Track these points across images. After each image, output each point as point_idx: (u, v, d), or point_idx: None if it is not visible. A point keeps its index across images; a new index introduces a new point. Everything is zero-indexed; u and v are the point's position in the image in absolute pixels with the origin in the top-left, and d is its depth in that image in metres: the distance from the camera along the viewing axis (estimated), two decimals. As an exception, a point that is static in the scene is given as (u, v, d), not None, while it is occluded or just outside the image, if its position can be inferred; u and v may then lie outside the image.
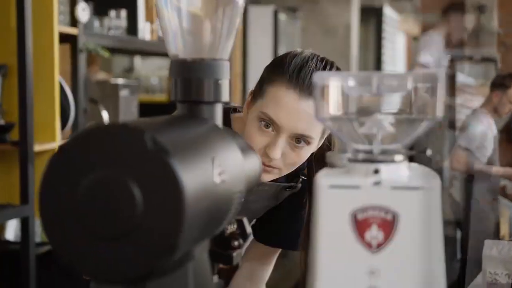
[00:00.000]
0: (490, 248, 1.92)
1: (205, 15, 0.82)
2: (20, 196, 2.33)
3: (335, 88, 0.71)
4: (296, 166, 1.29)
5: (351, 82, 0.70)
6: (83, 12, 2.65)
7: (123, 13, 3.05)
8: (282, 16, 4.91)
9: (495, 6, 9.16)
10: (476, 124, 3.99)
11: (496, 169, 4.02)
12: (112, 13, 3.04)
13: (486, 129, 3.93)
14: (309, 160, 1.33)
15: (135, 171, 0.60)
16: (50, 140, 2.50)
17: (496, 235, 3.98)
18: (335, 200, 0.68)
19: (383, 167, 0.69)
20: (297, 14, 5.30)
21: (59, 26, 2.55)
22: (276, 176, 1.30)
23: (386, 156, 0.70)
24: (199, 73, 0.80)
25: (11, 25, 2.40)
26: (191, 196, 0.60)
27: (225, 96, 0.82)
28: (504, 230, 6.56)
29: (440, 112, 0.69)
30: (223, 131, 0.78)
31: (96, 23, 2.94)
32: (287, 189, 1.42)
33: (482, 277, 1.91)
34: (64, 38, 2.62)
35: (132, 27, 3.09)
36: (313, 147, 1.28)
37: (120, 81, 3.17)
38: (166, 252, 0.60)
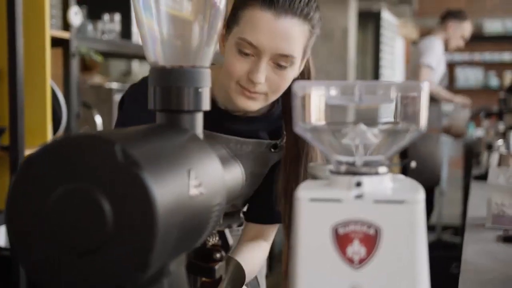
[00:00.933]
0: (496, 176, 1.81)
1: (184, 21, 0.80)
2: (10, 202, 2.30)
3: (316, 97, 0.69)
4: (281, 91, 1.26)
5: (333, 92, 0.68)
6: (76, 16, 2.63)
7: (117, 17, 3.03)
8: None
9: None
10: (433, 44, 4.20)
11: (446, 94, 4.29)
12: (106, 16, 3.01)
13: (441, 50, 4.19)
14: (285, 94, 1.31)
15: (105, 185, 0.58)
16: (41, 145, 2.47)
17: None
18: (315, 214, 0.66)
19: (365, 180, 0.66)
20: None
21: (51, 30, 2.52)
22: (262, 103, 1.27)
23: (369, 168, 0.68)
24: (178, 81, 0.78)
25: (2, 29, 2.37)
26: (163, 211, 0.58)
27: (205, 105, 0.80)
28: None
29: (424, 123, 0.67)
30: (203, 141, 0.76)
31: (90, 27, 2.92)
32: (273, 149, 1.38)
33: (487, 208, 1.79)
34: (57, 42, 2.60)
35: (126, 31, 3.07)
36: (296, 68, 1.26)
37: (115, 85, 3.15)
38: (138, 269, 0.58)
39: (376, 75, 7.35)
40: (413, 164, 0.66)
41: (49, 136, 2.50)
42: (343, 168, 0.68)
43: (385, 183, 0.68)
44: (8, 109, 2.34)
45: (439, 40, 4.32)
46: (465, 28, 4.31)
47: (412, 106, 0.67)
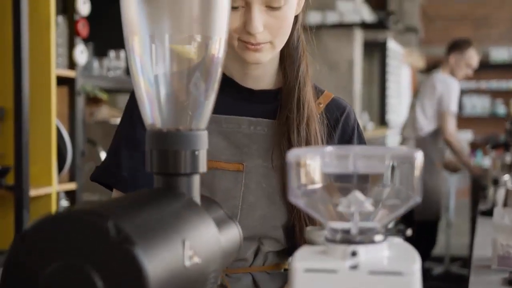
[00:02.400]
0: (501, 216, 1.77)
1: (182, 83, 0.80)
2: (14, 242, 2.30)
3: (310, 165, 0.69)
4: (287, 33, 1.18)
5: (327, 159, 0.68)
6: (81, 54, 2.65)
7: (123, 53, 3.05)
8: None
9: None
10: (455, 88, 4.20)
11: (464, 155, 4.27)
12: (112, 53, 3.04)
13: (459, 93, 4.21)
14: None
15: (98, 261, 0.58)
16: (47, 184, 2.48)
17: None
18: (311, 284, 0.65)
19: (361, 249, 0.66)
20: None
21: (57, 69, 2.54)
22: (271, 53, 1.18)
23: (365, 237, 0.67)
24: (175, 144, 0.78)
25: (8, 68, 2.39)
26: (157, 286, 0.58)
27: (202, 167, 0.80)
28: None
29: (419, 191, 0.66)
30: (199, 206, 0.76)
31: (96, 64, 2.94)
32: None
33: (492, 249, 1.75)
34: (62, 80, 2.62)
35: (131, 68, 3.09)
36: (293, 3, 1.18)
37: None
38: None
39: (382, 105, 7.35)
40: (409, 232, 0.66)
41: (54, 175, 2.51)
42: (338, 236, 0.68)
43: (381, 251, 0.67)
44: (13, 149, 2.36)
45: (455, 79, 4.30)
46: (469, 57, 4.29)
47: (407, 174, 0.66)
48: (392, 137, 7.67)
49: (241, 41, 1.17)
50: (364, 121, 6.44)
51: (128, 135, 1.25)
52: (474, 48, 4.32)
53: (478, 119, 10.02)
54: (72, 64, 2.66)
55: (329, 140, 1.25)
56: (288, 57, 1.26)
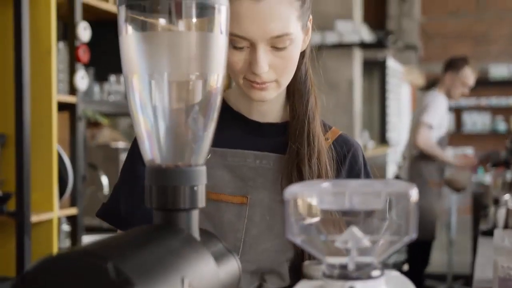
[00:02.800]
0: (502, 238, 1.76)
1: (180, 120, 0.81)
2: (16, 269, 2.31)
3: (307, 201, 0.69)
4: (292, 71, 1.18)
5: (324, 196, 0.69)
6: (82, 80, 2.67)
7: (123, 78, 3.07)
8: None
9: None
10: (436, 102, 4.15)
11: (442, 155, 4.20)
12: (112, 78, 3.06)
13: (444, 109, 4.15)
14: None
15: (98, 302, 0.58)
16: (48, 209, 2.49)
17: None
18: (309, 320, 0.66)
19: (358, 285, 0.67)
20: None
21: (58, 95, 2.56)
22: (276, 91, 1.17)
23: (362, 272, 0.68)
24: (174, 180, 0.79)
25: (10, 94, 2.41)
26: (156, 326, 0.59)
27: (201, 202, 0.81)
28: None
29: (414, 228, 0.67)
30: (198, 242, 0.77)
31: (96, 88, 2.96)
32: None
33: (493, 271, 1.75)
34: (63, 106, 2.64)
35: (132, 92, 3.11)
36: (299, 42, 1.17)
37: (121, 144, 3.17)
38: None
39: (382, 123, 7.37)
40: (405, 267, 0.67)
41: (56, 201, 2.52)
42: (335, 272, 0.69)
43: (379, 287, 0.68)
44: (15, 175, 2.37)
45: (443, 95, 4.30)
46: (464, 76, 4.27)
47: (402, 210, 0.67)
48: (393, 155, 7.68)
49: (247, 80, 1.17)
50: (365, 140, 6.45)
51: (129, 172, 1.28)
52: (470, 66, 4.31)
53: (478, 135, 10.03)
54: (73, 90, 2.67)
55: (338, 175, 1.25)
56: (296, 92, 1.26)
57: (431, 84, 9.76)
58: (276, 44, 1.13)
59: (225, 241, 1.18)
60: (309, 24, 1.23)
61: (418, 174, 4.26)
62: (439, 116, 4.13)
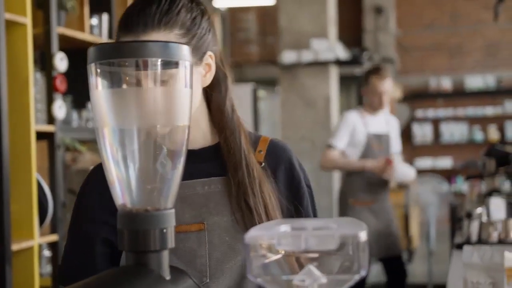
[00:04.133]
0: (471, 255, 1.81)
1: (148, 168, 0.87)
2: (-3, 298, 2.34)
3: (266, 245, 0.75)
4: (196, 102, 1.23)
5: (281, 240, 0.75)
6: (60, 109, 2.72)
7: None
8: (261, 93, 5.00)
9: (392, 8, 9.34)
10: (342, 122, 4.09)
11: (353, 163, 4.00)
12: (90, 105, 3.11)
13: (354, 125, 4.04)
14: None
15: None
16: (28, 237, 2.52)
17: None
18: None
19: (315, 320, 0.73)
20: (276, 89, 5.40)
21: (36, 125, 2.60)
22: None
23: (319, 308, 0.74)
24: (145, 224, 0.84)
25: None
26: None
27: (171, 243, 0.86)
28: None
29: (364, 267, 0.73)
30: (167, 281, 0.82)
31: (75, 115, 3.01)
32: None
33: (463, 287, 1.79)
34: (42, 135, 2.68)
35: (110, 117, 3.16)
36: (198, 73, 1.22)
37: (100, 169, 3.21)
38: None
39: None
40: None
41: (36, 229, 2.55)
42: (295, 308, 0.74)
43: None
44: (-5, 204, 2.40)
45: (354, 112, 4.17)
46: (372, 85, 4.07)
47: (353, 250, 0.73)
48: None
49: None
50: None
51: (76, 233, 1.29)
52: (380, 74, 4.18)
53: (456, 145, 10.17)
54: (51, 119, 2.72)
55: (279, 191, 1.31)
56: (227, 129, 1.31)
57: (408, 96, 9.89)
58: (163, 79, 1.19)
59: (191, 268, 1.25)
60: (210, 60, 1.27)
61: (341, 192, 4.24)
62: (347, 134, 4.06)
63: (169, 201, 0.88)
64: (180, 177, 0.89)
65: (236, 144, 1.30)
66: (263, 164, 1.31)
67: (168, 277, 0.85)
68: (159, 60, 0.84)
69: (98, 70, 0.86)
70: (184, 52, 0.86)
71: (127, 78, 1.00)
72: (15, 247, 2.42)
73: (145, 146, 0.85)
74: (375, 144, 4.09)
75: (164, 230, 0.85)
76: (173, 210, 0.87)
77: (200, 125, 1.31)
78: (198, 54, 1.24)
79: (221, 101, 1.29)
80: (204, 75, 1.27)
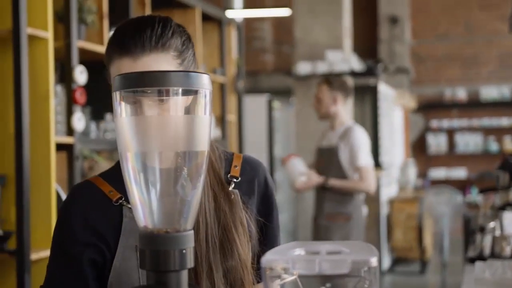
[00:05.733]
0: (483, 271, 1.83)
1: (169, 192, 0.91)
2: (17, 306, 2.39)
3: (281, 268, 0.79)
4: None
5: (296, 264, 0.79)
6: (79, 121, 2.77)
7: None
8: (276, 104, 5.04)
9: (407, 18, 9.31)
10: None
11: (332, 182, 3.93)
12: (108, 116, 3.16)
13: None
14: None
15: None
16: (47, 247, 2.56)
17: None
18: None
19: None
20: (291, 100, 5.44)
21: (56, 137, 2.66)
22: None
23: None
24: (165, 245, 0.89)
25: (10, 137, 2.51)
26: None
27: (190, 263, 0.90)
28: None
29: (375, 290, 0.77)
30: (186, 301, 0.86)
31: (93, 127, 3.06)
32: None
33: None
34: (61, 146, 2.73)
35: (127, 129, 3.22)
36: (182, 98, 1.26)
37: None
38: None
39: (375, 147, 7.47)
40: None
41: (54, 239, 2.60)
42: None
43: None
44: (15, 214, 2.46)
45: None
46: (319, 94, 4.12)
47: (364, 275, 0.77)
48: (386, 179, 7.78)
49: None
50: (358, 165, 6.53)
51: (61, 254, 1.27)
52: (323, 82, 4.14)
53: (471, 156, 10.15)
54: (70, 131, 2.77)
55: (250, 198, 1.34)
56: None
57: (423, 106, 9.88)
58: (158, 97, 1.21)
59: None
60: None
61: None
62: None
63: (189, 222, 0.92)
64: (200, 199, 0.93)
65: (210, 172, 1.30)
66: (239, 179, 1.34)
67: (187, 296, 0.89)
68: (181, 89, 0.89)
69: (123, 98, 0.90)
70: (204, 81, 0.91)
71: (150, 106, 1.05)
72: (34, 256, 2.48)
73: (166, 170, 0.90)
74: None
75: (184, 251, 0.89)
76: (192, 232, 0.91)
77: None
78: None
79: None
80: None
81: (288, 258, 0.79)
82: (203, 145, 0.91)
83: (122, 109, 0.90)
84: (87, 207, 1.28)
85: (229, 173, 1.34)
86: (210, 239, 1.26)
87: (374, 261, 0.76)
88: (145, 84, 0.89)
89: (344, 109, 4.18)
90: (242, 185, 1.34)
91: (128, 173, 0.90)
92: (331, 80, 4.18)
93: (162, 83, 0.88)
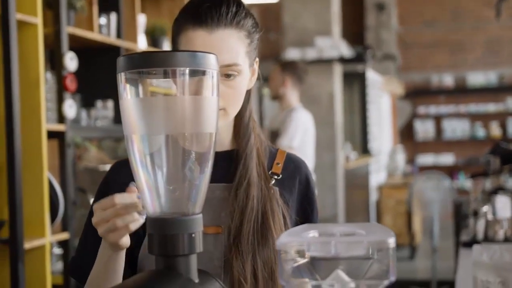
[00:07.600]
0: (480, 254, 1.83)
1: (177, 175, 0.89)
2: (10, 295, 2.36)
3: (296, 250, 0.78)
4: (240, 102, 1.26)
5: (311, 245, 0.77)
6: (70, 108, 2.74)
7: (110, 103, 3.14)
8: (266, 91, 5.01)
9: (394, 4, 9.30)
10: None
11: None
12: (99, 103, 3.13)
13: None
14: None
15: None
16: (40, 235, 2.54)
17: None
18: None
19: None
20: (281, 87, 5.40)
21: (47, 124, 2.62)
22: (223, 120, 1.24)
23: (346, 312, 0.76)
24: (173, 229, 0.87)
25: (0, 124, 2.47)
26: None
27: (199, 247, 0.89)
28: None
29: (393, 274, 0.75)
30: (196, 284, 0.85)
31: (84, 114, 3.03)
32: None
33: (472, 286, 1.82)
34: (52, 134, 2.70)
35: (118, 116, 3.19)
36: (246, 76, 1.25)
37: (108, 167, 3.23)
38: None
39: (364, 133, 7.48)
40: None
41: (47, 227, 2.57)
42: (322, 312, 0.77)
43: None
44: (7, 203, 2.43)
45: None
46: (271, 74, 4.21)
47: (382, 257, 0.75)
48: (375, 165, 7.79)
49: None
50: (347, 151, 6.56)
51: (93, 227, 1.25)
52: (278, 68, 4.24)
53: (458, 142, 10.19)
54: (61, 118, 2.74)
55: (290, 196, 1.33)
56: (241, 131, 1.33)
57: (410, 92, 9.90)
58: (226, 72, 1.22)
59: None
60: (256, 66, 1.32)
61: None
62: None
63: (197, 206, 0.90)
64: (208, 183, 0.91)
65: (244, 148, 1.31)
66: (280, 176, 1.32)
67: (196, 280, 0.87)
68: (187, 69, 0.87)
69: (127, 79, 0.88)
70: (212, 61, 0.89)
71: (155, 86, 1.02)
72: (27, 245, 2.45)
73: (173, 153, 0.88)
74: None
75: (193, 235, 0.87)
76: (200, 215, 0.90)
77: (222, 131, 1.32)
78: (252, 58, 1.28)
79: (242, 108, 1.30)
80: (250, 78, 1.30)
81: (304, 240, 0.78)
82: (211, 127, 0.89)
83: (127, 90, 0.88)
84: (126, 181, 1.25)
85: (271, 169, 1.33)
86: (253, 225, 1.25)
87: (392, 241, 0.75)
88: (150, 64, 0.87)
89: (294, 93, 4.23)
90: (283, 182, 1.33)
91: (134, 156, 0.89)
92: (284, 63, 4.28)
93: (168, 63, 0.86)
